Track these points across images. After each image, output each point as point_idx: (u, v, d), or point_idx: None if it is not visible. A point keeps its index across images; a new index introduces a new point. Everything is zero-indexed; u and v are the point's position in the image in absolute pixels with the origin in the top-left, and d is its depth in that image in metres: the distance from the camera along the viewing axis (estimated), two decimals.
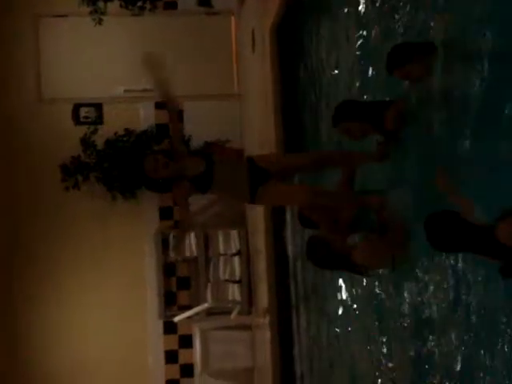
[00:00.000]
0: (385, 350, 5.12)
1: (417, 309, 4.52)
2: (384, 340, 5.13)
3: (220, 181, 5.41)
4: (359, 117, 4.78)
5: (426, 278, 4.36)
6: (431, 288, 4.29)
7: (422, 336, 4.44)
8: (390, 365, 5.04)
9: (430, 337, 4.35)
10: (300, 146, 7.31)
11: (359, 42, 5.65)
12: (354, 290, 5.69)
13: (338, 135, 5.34)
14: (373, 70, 5.36)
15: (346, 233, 5.13)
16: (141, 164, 5.48)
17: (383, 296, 5.13)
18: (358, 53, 5.65)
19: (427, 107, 4.37)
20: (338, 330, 6.30)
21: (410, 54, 4.30)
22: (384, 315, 5.14)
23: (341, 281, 5.96)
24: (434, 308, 4.29)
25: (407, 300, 4.68)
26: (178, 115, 5.96)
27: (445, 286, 4.11)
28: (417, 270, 4.44)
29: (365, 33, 5.52)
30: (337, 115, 4.94)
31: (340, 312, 6.16)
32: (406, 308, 4.72)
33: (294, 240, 7.54)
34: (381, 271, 4.96)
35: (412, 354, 4.61)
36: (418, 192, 4.41)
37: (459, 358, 3.96)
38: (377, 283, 5.12)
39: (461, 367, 3.96)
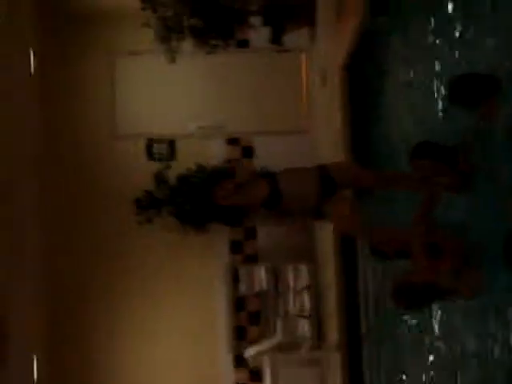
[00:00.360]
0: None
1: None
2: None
3: (288, 195, 5.45)
4: (434, 156, 4.79)
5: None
6: None
7: None
8: None
9: None
10: None
11: (428, 82, 5.68)
12: (428, 325, 5.65)
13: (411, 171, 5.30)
14: (442, 108, 5.39)
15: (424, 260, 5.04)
16: (211, 193, 5.57)
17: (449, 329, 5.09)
18: (427, 92, 5.67)
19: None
20: (409, 368, 6.26)
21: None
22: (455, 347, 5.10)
23: (412, 317, 5.94)
24: None
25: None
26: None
27: None
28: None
29: (434, 70, 5.56)
30: (413, 152, 4.96)
31: (412, 349, 6.12)
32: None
33: (365, 274, 7.52)
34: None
35: None
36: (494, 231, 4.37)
37: None
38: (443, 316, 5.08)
39: None
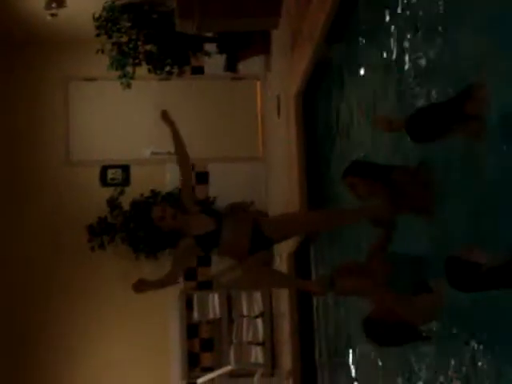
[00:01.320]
0: None
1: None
2: None
3: (226, 242, 5.30)
4: (365, 174, 4.84)
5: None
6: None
7: None
8: None
9: None
10: (322, 207, 7.40)
11: (381, 109, 5.75)
12: (381, 356, 5.68)
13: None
14: (392, 139, 5.45)
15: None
16: (149, 213, 5.44)
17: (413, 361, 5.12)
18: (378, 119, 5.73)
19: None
20: None
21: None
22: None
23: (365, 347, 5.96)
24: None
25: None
26: (190, 170, 5.86)
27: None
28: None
29: (385, 100, 5.62)
30: (346, 169, 5.01)
31: (367, 376, 6.15)
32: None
33: (319, 301, 7.55)
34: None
35: None
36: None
37: None
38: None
39: None
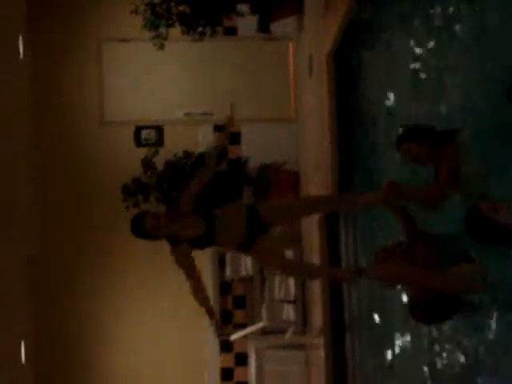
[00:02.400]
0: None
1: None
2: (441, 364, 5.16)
3: (221, 236, 5.48)
4: (422, 138, 4.78)
5: None
6: None
7: None
8: None
9: None
10: (354, 169, 7.43)
11: (415, 70, 5.75)
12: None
13: (400, 158, 5.25)
14: (429, 98, 5.45)
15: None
16: (139, 219, 5.54)
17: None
18: (414, 80, 5.74)
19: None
20: (392, 353, 6.34)
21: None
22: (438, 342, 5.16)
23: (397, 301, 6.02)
24: None
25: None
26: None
27: None
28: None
29: (420, 61, 5.63)
30: (400, 136, 4.95)
31: (396, 333, 6.21)
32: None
33: (349, 259, 7.61)
34: None
35: None
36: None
37: None
38: None
39: None
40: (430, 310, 4.43)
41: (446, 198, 4.73)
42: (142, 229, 5.54)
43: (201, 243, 5.49)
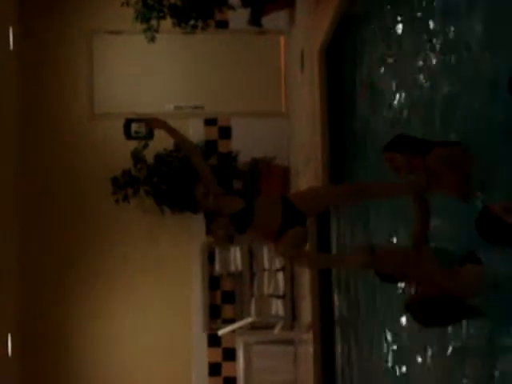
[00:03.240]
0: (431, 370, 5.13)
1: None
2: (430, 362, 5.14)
3: (259, 220, 5.33)
4: (405, 149, 4.75)
5: None
6: None
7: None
8: None
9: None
10: (345, 164, 7.41)
11: (407, 64, 5.73)
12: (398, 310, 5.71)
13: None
14: (421, 93, 5.43)
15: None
16: (192, 188, 5.48)
17: None
18: (407, 76, 5.72)
19: None
20: (381, 348, 6.33)
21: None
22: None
23: (385, 297, 6.01)
24: None
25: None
26: (202, 159, 5.85)
27: None
28: None
29: (412, 55, 5.60)
30: (387, 144, 4.92)
31: (385, 328, 6.20)
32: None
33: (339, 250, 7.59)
34: None
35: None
36: None
37: None
38: None
39: None
40: (432, 311, 4.29)
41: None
42: (192, 194, 5.44)
43: (240, 221, 5.34)
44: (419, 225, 4.82)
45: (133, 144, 9.83)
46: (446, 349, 4.74)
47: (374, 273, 4.55)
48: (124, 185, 9.70)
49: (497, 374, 4.11)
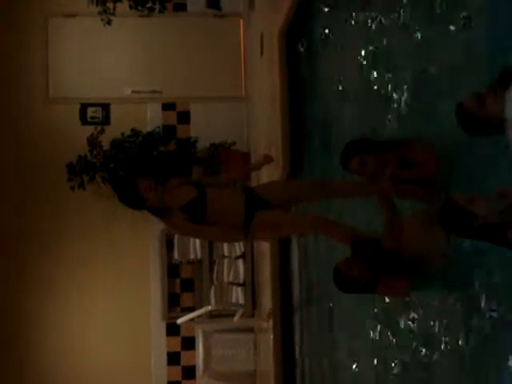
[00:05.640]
0: (390, 353, 5.11)
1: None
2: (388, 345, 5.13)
3: (214, 208, 5.19)
4: (376, 149, 4.64)
5: None
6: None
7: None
8: (395, 371, 5.02)
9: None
10: (304, 149, 7.34)
11: (367, 49, 5.65)
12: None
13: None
14: (380, 80, 5.37)
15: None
16: (132, 181, 5.21)
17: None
18: (365, 61, 5.65)
19: None
20: (339, 336, 6.31)
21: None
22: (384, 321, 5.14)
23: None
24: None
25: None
26: None
27: None
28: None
29: (374, 41, 5.53)
30: (348, 150, 4.79)
31: (343, 317, 6.17)
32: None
33: (299, 243, 7.55)
34: None
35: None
36: None
37: None
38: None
39: None
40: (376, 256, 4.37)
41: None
42: (133, 191, 5.13)
43: (193, 209, 5.18)
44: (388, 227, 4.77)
45: (89, 130, 9.70)
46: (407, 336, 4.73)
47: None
48: (80, 171, 9.53)
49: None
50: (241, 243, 9.40)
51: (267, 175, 7.69)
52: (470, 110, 3.48)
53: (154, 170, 8.90)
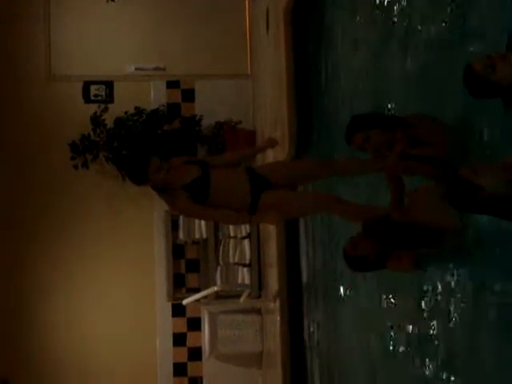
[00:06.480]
0: (397, 336, 5.03)
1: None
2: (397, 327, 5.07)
3: (217, 188, 5.17)
4: (381, 124, 4.49)
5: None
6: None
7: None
8: (401, 349, 4.98)
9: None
10: (312, 127, 7.23)
11: (376, 26, 5.54)
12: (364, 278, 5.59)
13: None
14: (388, 57, 5.26)
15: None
16: (146, 160, 5.23)
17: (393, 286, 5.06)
18: (374, 38, 5.53)
19: None
20: (347, 316, 6.25)
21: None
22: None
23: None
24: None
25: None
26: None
27: None
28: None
29: (383, 16, 5.41)
30: (353, 125, 4.64)
31: (350, 296, 6.11)
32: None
33: (306, 223, 7.47)
34: None
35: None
36: None
37: None
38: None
39: None
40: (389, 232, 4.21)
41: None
42: (143, 168, 5.18)
43: (197, 188, 5.13)
44: (395, 203, 4.65)
45: (92, 108, 9.59)
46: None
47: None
48: (83, 150, 9.43)
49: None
50: None
51: (273, 155, 7.58)
52: (480, 74, 3.40)
53: (158, 148, 8.80)
